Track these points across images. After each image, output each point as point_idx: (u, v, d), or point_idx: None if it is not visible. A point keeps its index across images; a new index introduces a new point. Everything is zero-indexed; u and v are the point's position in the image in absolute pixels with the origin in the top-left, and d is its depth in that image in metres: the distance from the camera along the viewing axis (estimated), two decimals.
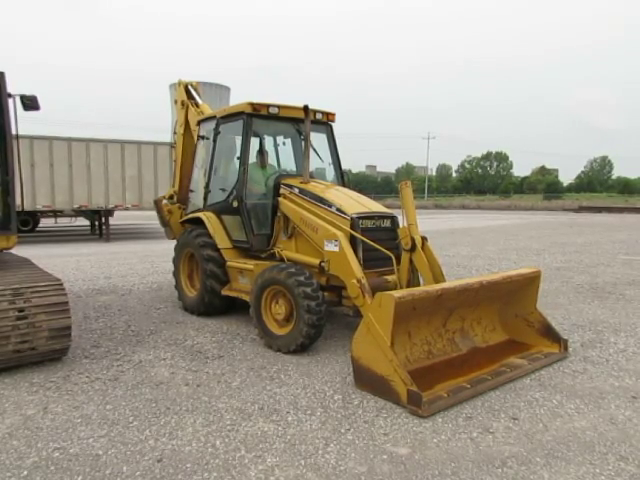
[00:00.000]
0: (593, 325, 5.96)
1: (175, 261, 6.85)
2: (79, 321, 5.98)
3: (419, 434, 3.28)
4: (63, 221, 19.59)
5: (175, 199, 7.79)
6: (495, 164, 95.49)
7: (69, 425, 3.38)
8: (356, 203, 5.32)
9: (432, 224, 24.26)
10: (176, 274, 6.84)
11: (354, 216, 4.98)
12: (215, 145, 6.38)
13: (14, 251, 5.38)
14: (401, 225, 4.92)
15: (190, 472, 2.83)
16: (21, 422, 3.42)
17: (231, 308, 6.35)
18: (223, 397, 3.86)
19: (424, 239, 4.78)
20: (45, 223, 20.40)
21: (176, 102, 7.90)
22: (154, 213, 8.28)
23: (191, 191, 7.15)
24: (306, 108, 5.71)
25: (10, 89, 4.64)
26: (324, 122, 6.42)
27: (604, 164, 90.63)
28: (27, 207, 14.50)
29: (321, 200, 5.28)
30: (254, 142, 6.12)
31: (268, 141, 6.66)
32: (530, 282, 4.92)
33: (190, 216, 6.83)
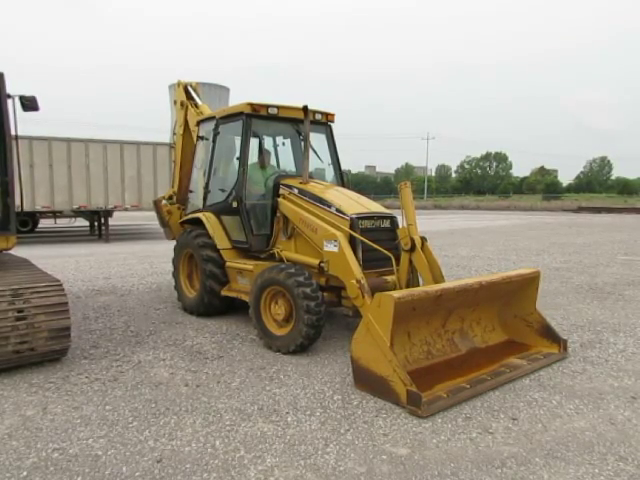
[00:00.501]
0: (592, 325, 5.97)
1: (174, 262, 6.85)
2: (78, 322, 5.97)
3: (418, 434, 3.28)
4: (62, 222, 19.58)
5: (174, 199, 7.79)
6: (494, 164, 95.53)
7: (68, 426, 3.37)
8: (355, 203, 5.32)
9: (431, 224, 24.27)
10: (175, 275, 6.84)
11: (353, 216, 4.98)
12: (214, 145, 6.38)
13: (13, 252, 5.37)
14: (400, 225, 4.92)
15: (189, 472, 2.83)
16: (20, 423, 3.41)
17: (230, 308, 6.35)
18: (222, 397, 3.86)
19: (423, 239, 4.78)
20: (44, 224, 20.38)
21: (175, 103, 7.90)
22: (153, 214, 8.28)
23: (190, 191, 7.16)
24: (305, 108, 5.71)
25: (9, 90, 4.64)
26: (323, 122, 6.42)
27: (603, 164, 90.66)
28: (26, 208, 14.48)
29: (320, 200, 5.28)
30: (253, 142, 6.12)
31: (267, 141, 6.65)
32: (529, 282, 4.92)
33: (189, 216, 6.83)
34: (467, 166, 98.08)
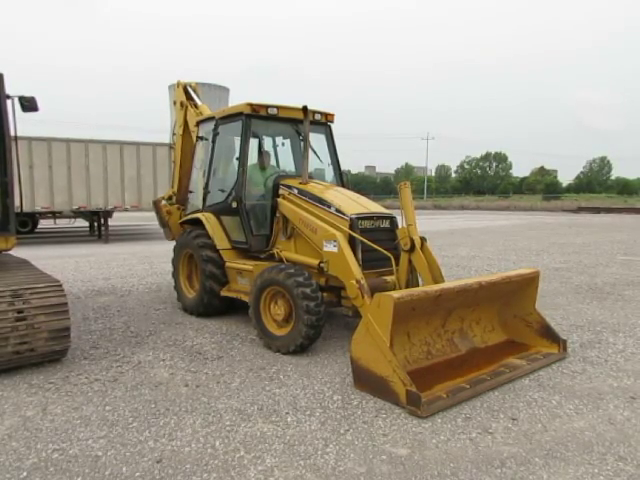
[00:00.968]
0: (592, 325, 5.97)
1: (174, 262, 6.85)
2: (78, 322, 5.97)
3: (418, 434, 3.28)
4: (62, 222, 19.58)
5: (174, 200, 7.79)
6: (494, 165, 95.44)
7: (68, 426, 3.38)
8: (355, 204, 5.32)
9: (431, 225, 24.27)
10: (175, 275, 6.84)
11: (353, 217, 4.98)
12: (214, 146, 6.38)
13: (13, 252, 5.38)
14: (400, 226, 4.92)
15: (189, 473, 2.83)
16: (20, 423, 3.42)
17: (230, 309, 6.35)
18: (222, 398, 3.86)
19: (423, 240, 4.79)
20: (44, 224, 20.39)
21: (175, 103, 7.91)
22: (153, 214, 8.28)
23: (190, 192, 7.16)
24: (305, 109, 5.71)
25: (9, 90, 4.64)
26: (323, 123, 6.42)
27: (603, 165, 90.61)
28: (26, 208, 14.46)
29: (320, 201, 5.28)
30: (253, 143, 6.13)
31: (267, 142, 6.66)
32: (529, 283, 4.92)
33: (189, 217, 6.84)
34: (467, 166, 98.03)
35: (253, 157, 6.22)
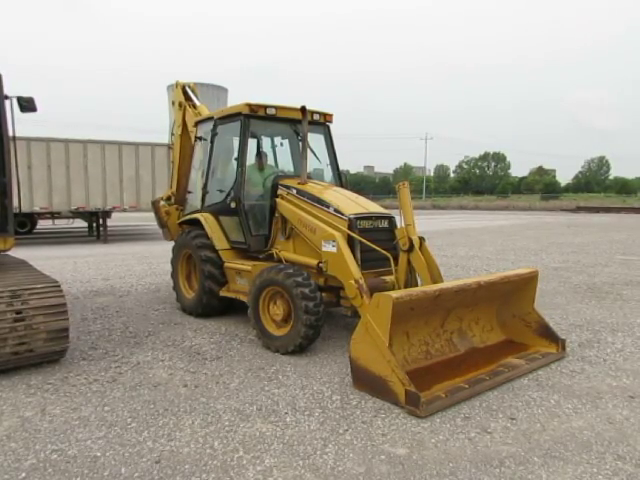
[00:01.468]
0: (591, 325, 5.98)
1: (173, 262, 6.85)
2: (77, 323, 5.97)
3: (417, 434, 3.28)
4: (61, 223, 19.57)
5: (173, 200, 7.79)
6: (493, 164, 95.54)
7: (67, 427, 3.37)
8: (354, 204, 5.32)
9: (430, 224, 24.28)
10: (174, 275, 6.84)
11: (352, 217, 4.98)
12: (213, 146, 6.38)
13: (11, 253, 5.37)
14: (399, 226, 4.93)
15: (188, 473, 2.83)
16: (19, 424, 3.41)
17: (229, 309, 6.35)
18: (221, 398, 3.86)
19: (422, 239, 4.79)
20: (43, 225, 20.37)
21: (173, 103, 7.91)
22: (152, 214, 8.27)
23: (189, 192, 7.15)
24: (303, 109, 5.71)
25: (7, 91, 4.64)
26: (321, 123, 6.42)
27: (601, 164, 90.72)
28: (24, 209, 14.43)
29: (319, 201, 5.28)
30: (252, 143, 6.12)
31: (266, 142, 6.66)
32: (528, 282, 4.93)
33: (188, 217, 6.83)
34: (465, 166, 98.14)
35: (252, 157, 6.22)
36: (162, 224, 7.74)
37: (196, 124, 7.01)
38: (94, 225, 17.96)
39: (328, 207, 5.17)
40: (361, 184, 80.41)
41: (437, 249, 12.43)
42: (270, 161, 6.69)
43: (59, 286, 4.51)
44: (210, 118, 6.56)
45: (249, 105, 5.80)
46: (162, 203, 7.85)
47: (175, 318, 6.32)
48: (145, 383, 4.16)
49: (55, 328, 4.34)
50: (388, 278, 4.94)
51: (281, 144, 6.73)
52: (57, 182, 15.07)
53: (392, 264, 4.82)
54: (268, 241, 5.78)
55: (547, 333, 4.84)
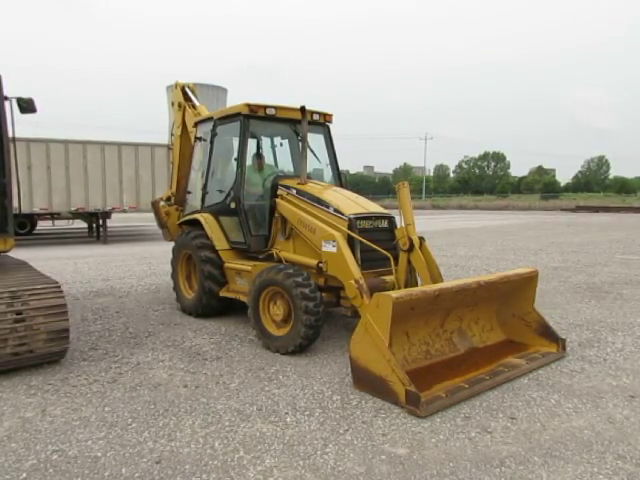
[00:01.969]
0: (591, 324, 5.98)
1: (173, 263, 6.85)
2: (77, 323, 5.97)
3: (417, 434, 3.28)
4: (60, 223, 19.56)
5: (173, 201, 7.79)
6: (492, 164, 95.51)
7: (68, 427, 3.37)
8: (354, 204, 5.33)
9: (430, 224, 24.29)
10: (174, 276, 6.84)
11: (352, 217, 4.98)
12: (212, 146, 6.38)
13: (11, 254, 5.37)
14: (399, 225, 4.93)
15: (189, 473, 2.83)
16: (19, 425, 3.41)
17: (229, 309, 6.35)
18: (221, 398, 3.86)
19: (422, 239, 4.79)
20: (42, 225, 20.36)
21: (173, 104, 7.91)
22: (152, 215, 8.28)
23: (188, 192, 7.15)
24: (303, 109, 5.71)
25: (7, 92, 4.64)
26: (321, 123, 6.42)
27: (601, 164, 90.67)
28: (24, 210, 14.43)
29: (319, 201, 5.28)
30: (251, 143, 6.12)
31: (265, 142, 6.66)
32: (528, 282, 4.93)
33: (188, 217, 6.83)
34: (465, 166, 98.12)
35: (251, 158, 6.23)
36: (162, 224, 7.74)
37: (196, 124, 7.01)
38: (94, 226, 17.96)
39: (328, 207, 5.18)
40: (361, 184, 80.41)
41: (437, 249, 12.42)
42: (270, 161, 6.69)
43: (59, 287, 4.52)
44: (210, 118, 6.56)
45: (249, 105, 5.80)
46: (162, 204, 7.86)
47: (175, 318, 6.32)
48: (145, 383, 4.16)
49: (55, 329, 4.34)
50: (388, 278, 4.95)
51: (281, 144, 6.73)
52: (57, 183, 15.07)
53: (392, 264, 4.82)
54: (268, 241, 5.78)
55: (547, 333, 4.85)
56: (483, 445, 3.14)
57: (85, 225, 18.71)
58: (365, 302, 4.35)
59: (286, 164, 6.69)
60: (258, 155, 6.26)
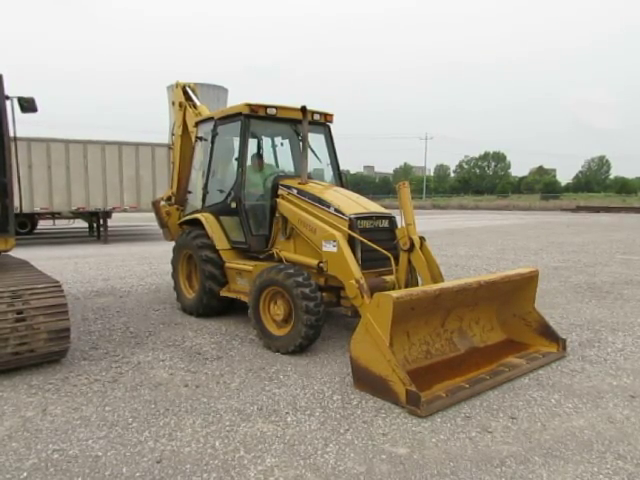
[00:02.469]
0: (591, 324, 5.98)
1: (173, 262, 6.85)
2: (77, 323, 5.97)
3: (418, 434, 3.28)
4: (61, 223, 19.58)
5: (173, 200, 7.79)
6: (493, 164, 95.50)
7: (68, 427, 3.38)
8: (354, 203, 5.33)
9: (430, 224, 24.28)
10: (175, 275, 6.84)
11: (352, 216, 4.98)
12: (213, 146, 6.38)
13: (12, 253, 5.37)
14: (399, 225, 4.93)
15: (189, 473, 2.83)
16: (20, 424, 3.41)
17: (230, 309, 6.35)
18: (222, 398, 3.86)
19: (422, 239, 4.79)
20: (43, 225, 20.38)
21: (174, 104, 7.91)
22: (152, 215, 8.28)
23: (189, 192, 7.16)
24: (304, 109, 5.72)
25: (8, 91, 4.64)
26: (322, 123, 6.42)
27: (602, 164, 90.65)
28: (25, 209, 14.45)
29: (319, 201, 5.29)
30: (252, 143, 6.13)
31: (266, 142, 6.66)
32: (528, 282, 4.93)
33: (188, 217, 6.84)
34: (466, 166, 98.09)
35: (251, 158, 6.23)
36: (162, 224, 7.75)
37: (196, 124, 7.01)
38: (94, 225, 17.98)
39: (329, 207, 5.18)
40: (361, 184, 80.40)
41: (437, 249, 12.42)
42: (271, 161, 6.69)
43: (60, 286, 4.52)
44: (210, 118, 6.56)
45: (249, 105, 5.80)
46: (162, 203, 7.86)
47: (176, 318, 6.32)
48: (146, 383, 4.17)
49: (56, 328, 4.35)
50: (388, 278, 4.95)
51: (281, 144, 6.73)
52: (57, 182, 15.08)
53: (392, 264, 4.82)
54: (268, 241, 5.78)
55: (547, 332, 4.85)
56: (483, 445, 3.14)
57: (86, 225, 18.73)
58: (365, 302, 4.35)
59: (287, 164, 6.69)
60: (259, 155, 6.27)
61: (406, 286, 4.70)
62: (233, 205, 5.85)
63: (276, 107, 5.92)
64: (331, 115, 6.49)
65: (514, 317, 4.97)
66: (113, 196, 15.89)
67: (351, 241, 4.87)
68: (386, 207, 5.73)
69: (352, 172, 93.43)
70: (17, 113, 4.72)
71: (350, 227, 4.94)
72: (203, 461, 2.95)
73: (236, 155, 5.99)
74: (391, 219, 5.33)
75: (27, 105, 4.76)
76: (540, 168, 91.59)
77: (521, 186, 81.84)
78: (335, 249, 4.78)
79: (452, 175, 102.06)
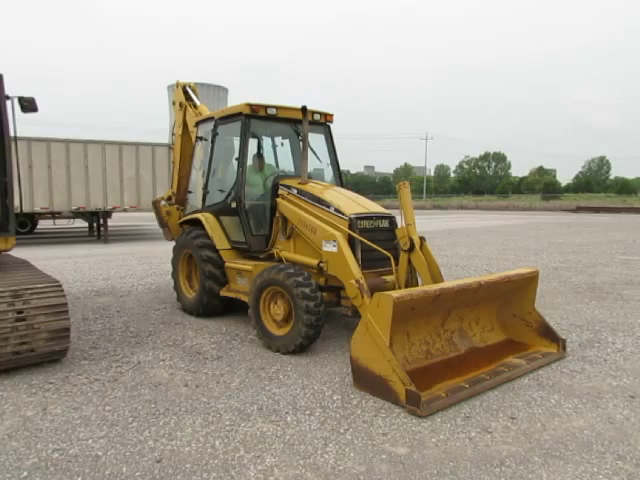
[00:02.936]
0: (591, 325, 5.98)
1: (174, 262, 6.85)
2: (78, 322, 5.98)
3: (418, 434, 3.28)
4: (61, 223, 19.58)
5: (173, 200, 7.80)
6: (493, 164, 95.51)
7: (68, 426, 3.38)
8: (354, 203, 5.33)
9: (430, 224, 24.28)
10: (175, 275, 6.84)
11: (352, 216, 4.99)
12: (213, 146, 6.39)
13: (12, 253, 5.38)
14: (399, 225, 4.93)
15: (189, 472, 2.83)
16: (20, 423, 3.42)
17: (230, 309, 6.36)
18: (222, 398, 3.86)
19: (422, 239, 4.79)
20: (43, 225, 20.38)
21: (174, 103, 7.92)
22: (152, 214, 8.29)
23: (189, 192, 7.16)
24: (304, 109, 5.72)
25: (8, 91, 4.64)
26: (322, 123, 6.43)
27: (602, 164, 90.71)
28: (25, 209, 14.45)
29: (319, 201, 5.29)
30: (252, 143, 6.13)
31: (266, 142, 6.66)
32: (528, 282, 4.93)
33: (188, 217, 6.84)
34: (466, 166, 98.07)
35: (251, 158, 6.23)
36: (163, 224, 7.75)
37: (197, 124, 7.02)
38: (95, 225, 17.98)
39: (329, 207, 5.18)
40: (361, 184, 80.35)
41: (437, 249, 12.43)
42: (271, 161, 6.70)
43: (60, 286, 4.52)
44: (211, 118, 6.56)
45: (250, 105, 5.81)
46: (163, 203, 7.87)
47: (176, 318, 6.33)
48: (146, 383, 4.17)
49: (56, 328, 4.35)
50: (389, 278, 4.95)
51: (282, 144, 6.74)
52: (58, 182, 15.08)
53: (392, 264, 4.82)
54: (269, 241, 5.79)
55: (547, 333, 4.85)
56: (483, 445, 3.15)
57: (86, 224, 18.73)
58: (366, 302, 4.35)
59: (287, 164, 6.69)
60: (259, 155, 6.27)
61: (406, 286, 4.71)
62: (233, 205, 5.85)
63: (276, 107, 5.92)
64: (331, 115, 6.49)
65: (514, 317, 4.97)
66: (113, 196, 15.90)
67: (351, 241, 4.87)
68: (386, 207, 5.74)
69: (352, 172, 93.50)
70: (17, 113, 4.73)
71: (350, 227, 4.94)
72: (203, 460, 2.95)
73: (236, 155, 5.99)
74: (391, 219, 5.33)
75: (27, 105, 4.76)
76: (540, 168, 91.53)
77: (521, 186, 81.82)
78: (335, 249, 4.78)
79: (452, 175, 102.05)
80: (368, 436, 3.25)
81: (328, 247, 4.86)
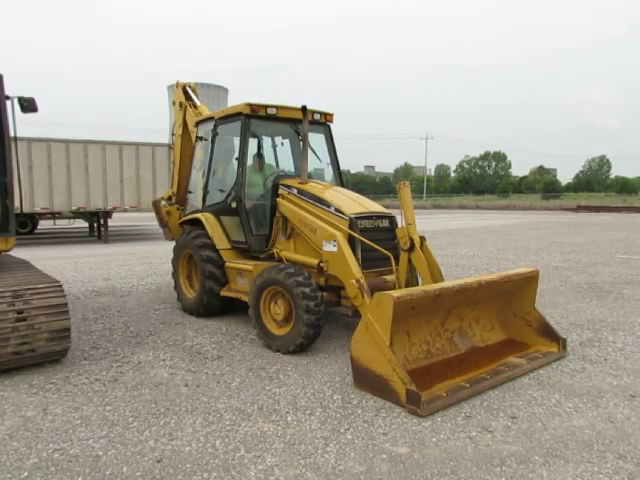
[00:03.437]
0: (591, 324, 5.98)
1: (174, 262, 6.86)
2: (78, 323, 5.98)
3: (418, 433, 3.28)
4: (62, 223, 19.59)
5: (173, 200, 7.80)
6: (493, 164, 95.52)
7: (69, 426, 3.38)
8: (354, 203, 5.33)
9: (430, 224, 24.28)
10: (175, 275, 6.84)
11: (352, 216, 4.99)
12: (213, 146, 6.39)
13: (13, 253, 5.38)
14: (400, 225, 4.93)
15: (190, 472, 2.83)
16: (21, 423, 3.42)
17: (230, 309, 6.36)
18: (222, 397, 3.86)
19: (422, 239, 4.79)
20: (44, 225, 20.39)
21: (174, 103, 7.92)
22: (153, 214, 8.29)
23: (189, 192, 7.16)
24: (304, 109, 5.72)
25: (8, 91, 4.64)
26: (322, 122, 6.43)
27: (602, 163, 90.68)
28: (25, 209, 14.46)
29: (319, 200, 5.29)
30: (252, 143, 6.13)
31: (266, 142, 6.66)
32: (528, 281, 4.93)
33: (189, 217, 6.84)
34: (466, 166, 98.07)
35: (252, 157, 6.23)
36: (163, 224, 7.75)
37: (197, 124, 7.02)
38: (95, 225, 17.99)
39: (329, 207, 5.18)
40: (361, 184, 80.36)
41: (438, 248, 12.42)
42: (271, 161, 6.70)
43: (60, 286, 4.52)
44: (211, 118, 6.56)
45: (250, 105, 5.81)
46: (163, 203, 7.87)
47: (176, 318, 6.33)
48: (146, 383, 4.17)
49: (56, 328, 4.35)
50: (389, 277, 4.95)
51: (282, 144, 6.74)
52: (58, 182, 15.08)
53: (393, 263, 4.82)
54: (269, 241, 5.79)
55: (548, 332, 4.85)
56: (484, 444, 3.15)
57: (86, 225, 18.74)
58: (366, 301, 4.35)
59: (287, 164, 6.69)
60: (259, 155, 6.27)
61: (406, 286, 4.71)
62: (233, 205, 5.85)
63: (276, 107, 5.92)
64: (331, 115, 6.49)
65: (514, 317, 4.97)
66: (113, 196, 15.90)
67: (351, 241, 4.87)
68: (387, 207, 5.74)
69: (352, 172, 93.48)
70: (17, 113, 4.73)
71: (350, 227, 4.94)
72: (203, 460, 2.96)
73: (236, 155, 5.99)
74: (391, 219, 5.33)
75: (27, 105, 4.76)
76: (540, 168, 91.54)
77: (521, 186, 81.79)
78: (335, 249, 4.78)
79: (452, 175, 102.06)
80: (368, 436, 3.25)
81: (328, 247, 4.86)
